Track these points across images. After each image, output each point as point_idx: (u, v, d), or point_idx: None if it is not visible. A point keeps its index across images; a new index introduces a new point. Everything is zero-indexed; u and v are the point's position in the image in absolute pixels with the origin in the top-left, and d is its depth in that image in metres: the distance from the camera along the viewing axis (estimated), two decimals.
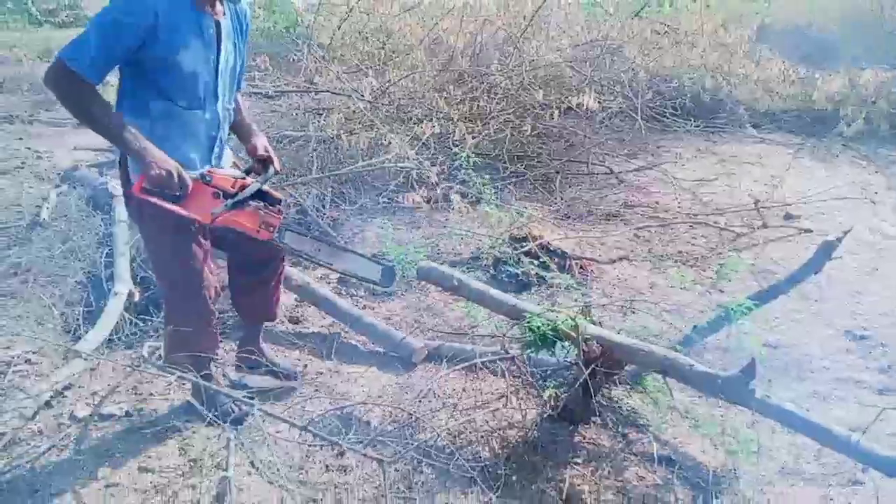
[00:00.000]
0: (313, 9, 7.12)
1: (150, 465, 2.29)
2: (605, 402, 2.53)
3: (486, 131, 5.21)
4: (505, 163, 5.24)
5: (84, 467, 2.26)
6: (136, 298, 3.32)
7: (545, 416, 2.48)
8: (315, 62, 5.71)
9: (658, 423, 2.50)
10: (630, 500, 2.16)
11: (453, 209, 4.39)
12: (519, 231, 3.92)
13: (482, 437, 2.43)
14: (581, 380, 2.30)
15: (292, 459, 2.33)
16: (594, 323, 2.46)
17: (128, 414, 2.55)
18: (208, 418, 2.36)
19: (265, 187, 2.24)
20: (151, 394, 2.69)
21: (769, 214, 4.69)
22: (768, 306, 2.70)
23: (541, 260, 3.58)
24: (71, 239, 3.91)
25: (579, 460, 2.32)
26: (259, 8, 7.97)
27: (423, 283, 3.53)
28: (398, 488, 2.18)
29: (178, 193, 2.05)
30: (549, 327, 2.36)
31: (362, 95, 5.06)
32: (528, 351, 2.49)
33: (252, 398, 2.39)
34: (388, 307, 3.54)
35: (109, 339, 3.00)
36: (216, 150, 2.28)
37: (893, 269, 3.98)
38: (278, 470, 2.23)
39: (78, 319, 3.24)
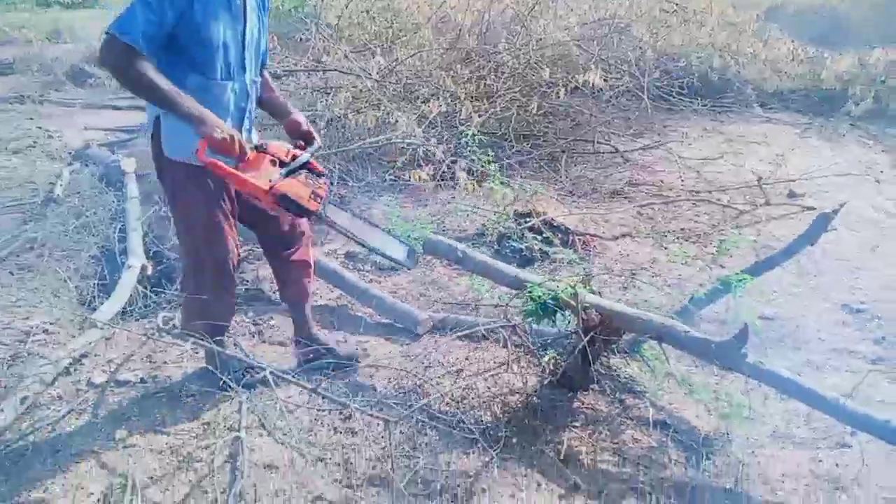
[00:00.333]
0: None
1: (165, 427, 2.38)
2: (603, 370, 2.60)
3: (492, 110, 5.24)
4: (511, 141, 5.28)
5: (102, 430, 2.35)
6: (149, 272, 3.43)
7: (545, 382, 2.55)
8: (323, 41, 5.73)
9: (654, 389, 2.57)
10: (625, 461, 2.24)
11: (459, 186, 4.45)
12: (523, 207, 3.97)
13: (484, 402, 2.50)
14: (580, 347, 2.37)
15: (301, 423, 2.42)
16: (594, 293, 2.53)
17: (143, 380, 2.64)
18: (222, 382, 2.46)
19: (312, 160, 2.29)
20: (165, 362, 2.79)
21: (772, 192, 4.72)
22: (767, 280, 2.75)
23: (544, 235, 3.64)
24: (84, 215, 4.01)
25: (577, 424, 2.40)
26: None
27: (429, 257, 3.60)
28: (403, 448, 2.26)
29: (238, 158, 2.09)
30: (550, 296, 2.43)
31: (370, 74, 5.09)
32: (530, 319, 2.56)
33: (262, 365, 2.48)
34: (394, 281, 3.60)
35: (123, 311, 3.09)
36: (246, 122, 2.33)
37: (894, 247, 4.01)
38: (289, 431, 2.32)
39: (92, 292, 3.35)
